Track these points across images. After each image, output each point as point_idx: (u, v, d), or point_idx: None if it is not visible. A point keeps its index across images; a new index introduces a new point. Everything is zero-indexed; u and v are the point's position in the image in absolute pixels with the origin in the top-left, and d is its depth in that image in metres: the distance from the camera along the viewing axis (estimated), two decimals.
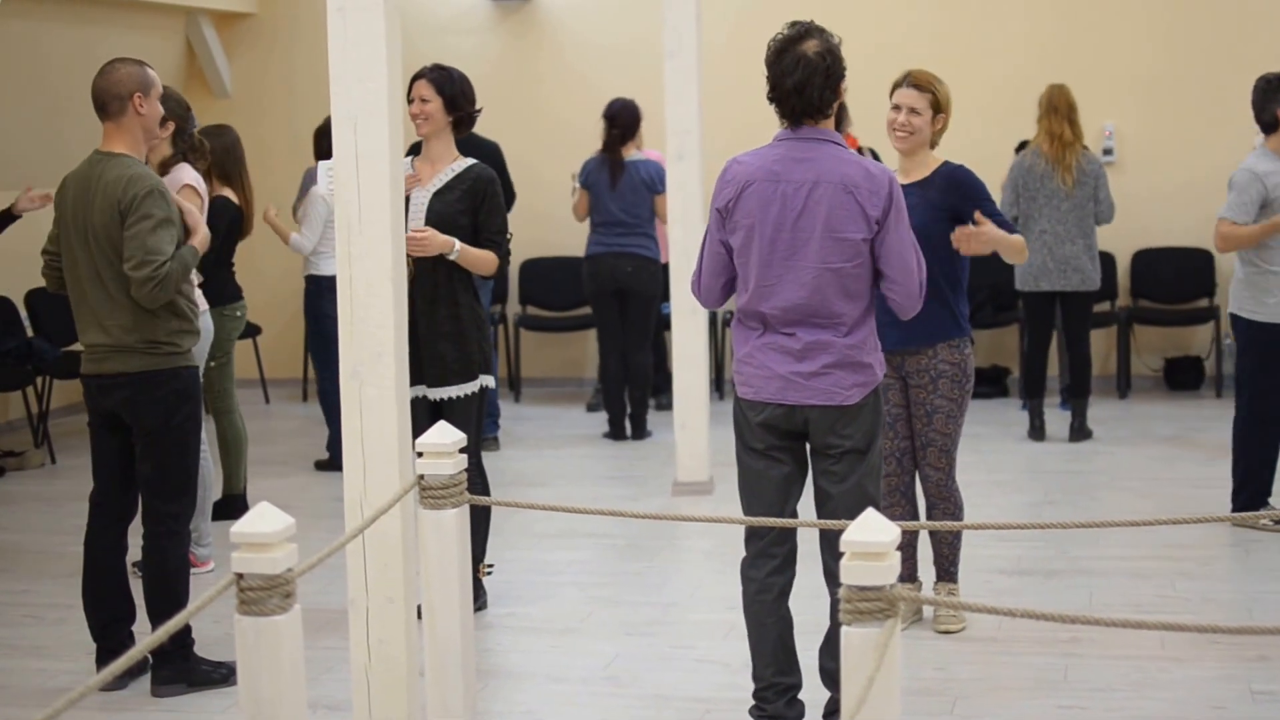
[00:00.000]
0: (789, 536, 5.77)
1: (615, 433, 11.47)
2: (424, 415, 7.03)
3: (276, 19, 14.19)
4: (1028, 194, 10.76)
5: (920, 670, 6.43)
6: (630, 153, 11.34)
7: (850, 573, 3.88)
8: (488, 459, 10.72)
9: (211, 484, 8.46)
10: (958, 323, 6.93)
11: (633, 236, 11.29)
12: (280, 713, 4.15)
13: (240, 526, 4.10)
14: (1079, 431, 11.02)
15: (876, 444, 5.67)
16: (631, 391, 11.53)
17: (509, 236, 7.30)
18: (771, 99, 5.57)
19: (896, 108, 6.88)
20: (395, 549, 5.27)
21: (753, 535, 5.77)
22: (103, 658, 6.51)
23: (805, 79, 5.46)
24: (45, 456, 11.19)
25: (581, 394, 13.33)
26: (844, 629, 3.93)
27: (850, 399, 5.56)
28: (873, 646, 3.85)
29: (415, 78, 7.22)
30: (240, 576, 4.10)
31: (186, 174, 8.10)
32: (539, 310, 13.58)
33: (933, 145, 6.95)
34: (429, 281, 7.07)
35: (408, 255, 7.11)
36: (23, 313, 11.52)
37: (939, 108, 6.87)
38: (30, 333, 11.61)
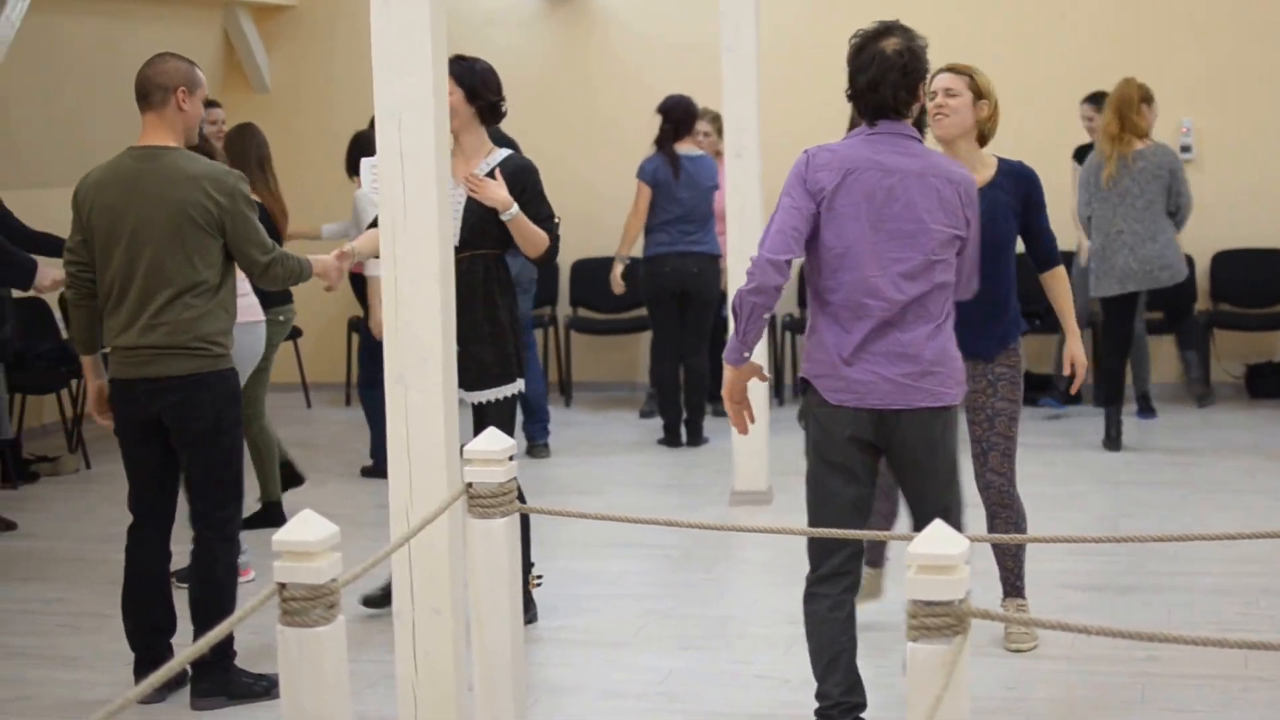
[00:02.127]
0: (861, 556, 5.79)
1: (670, 439, 11.47)
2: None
3: (317, 11, 14.23)
4: (1100, 194, 10.73)
5: (990, 689, 6.41)
6: (687, 148, 11.34)
7: (917, 586, 3.86)
8: (538, 466, 10.76)
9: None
10: (1018, 325, 6.97)
11: (698, 234, 11.29)
12: None
13: (283, 535, 4.12)
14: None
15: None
16: (689, 396, 11.52)
17: (557, 221, 7.30)
18: (849, 96, 5.58)
19: (932, 94, 6.82)
20: (442, 559, 5.27)
21: (825, 552, 5.72)
22: (141, 669, 6.54)
23: (879, 77, 5.47)
24: (79, 461, 11.26)
25: (634, 399, 13.33)
26: (910, 645, 3.92)
27: (956, 398, 5.59)
28: (940, 663, 3.83)
29: None
30: (283, 586, 4.12)
31: None
32: (590, 312, 13.59)
33: (982, 141, 6.88)
34: (466, 282, 7.05)
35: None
36: (57, 315, 11.57)
37: (980, 93, 6.82)
38: (64, 335, 11.66)
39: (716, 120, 11.80)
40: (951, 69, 6.88)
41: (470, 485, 5.18)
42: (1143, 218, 10.65)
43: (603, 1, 13.70)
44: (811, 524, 5.71)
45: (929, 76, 6.85)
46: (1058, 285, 6.99)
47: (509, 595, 5.27)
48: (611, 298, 12.78)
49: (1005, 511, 6.98)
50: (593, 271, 13.35)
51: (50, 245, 9.10)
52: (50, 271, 8.23)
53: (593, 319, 13.54)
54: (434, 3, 5.13)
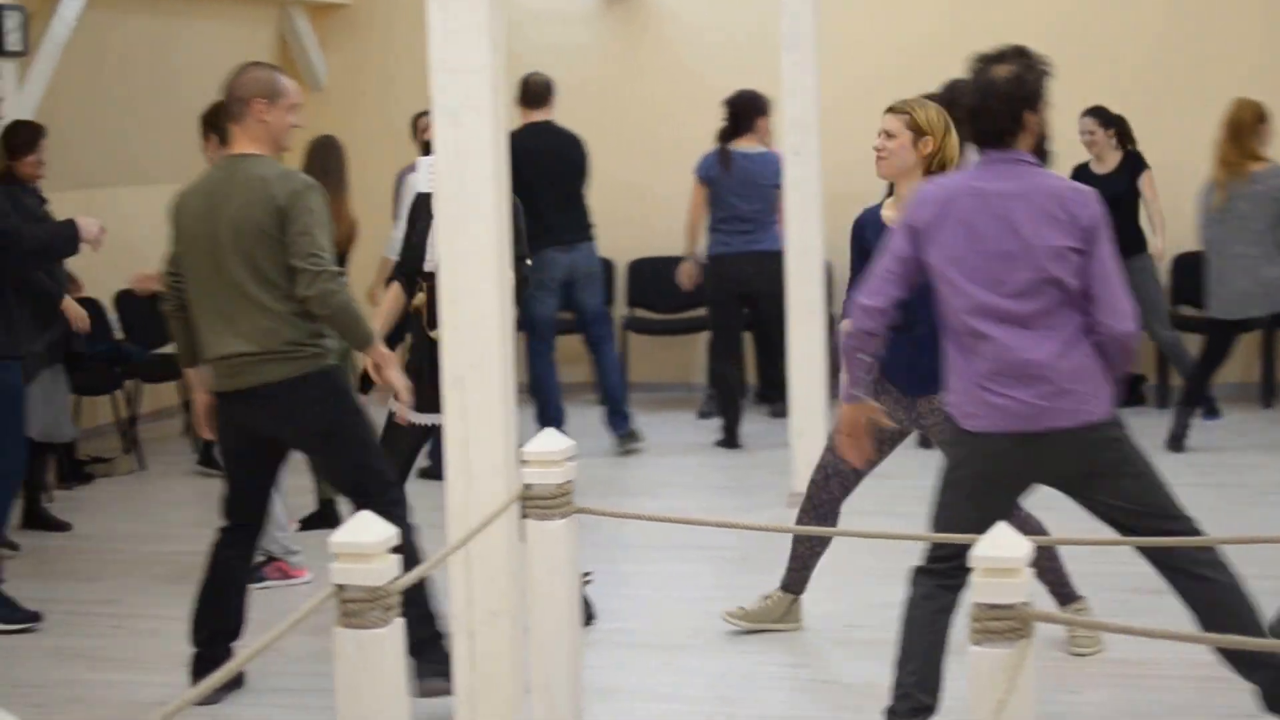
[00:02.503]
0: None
1: (729, 441, 11.45)
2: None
3: (372, 9, 14.27)
4: (1213, 218, 10.66)
5: (1053, 694, 6.37)
6: (748, 145, 11.31)
7: (981, 590, 3.86)
8: (594, 467, 10.75)
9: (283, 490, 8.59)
10: None
11: (756, 232, 11.27)
12: None
13: (340, 536, 4.14)
14: None
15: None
16: (779, 404, 11.46)
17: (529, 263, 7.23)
18: (957, 120, 5.58)
19: (879, 134, 6.88)
20: (500, 561, 5.27)
21: (945, 553, 5.69)
22: (201, 667, 6.54)
23: (981, 104, 5.48)
24: (134, 463, 11.31)
25: (690, 399, 13.31)
26: (973, 649, 3.91)
27: (1101, 414, 5.50)
28: (1003, 668, 3.83)
29: None
30: (341, 588, 4.14)
31: None
32: (647, 312, 13.58)
33: (929, 171, 6.75)
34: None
35: (420, 281, 7.08)
36: (111, 315, 11.63)
37: (920, 130, 6.77)
38: (119, 335, 11.73)
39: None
40: (892, 109, 6.86)
41: (528, 486, 5.19)
42: (1261, 240, 10.52)
43: None
44: (935, 552, 5.73)
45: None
46: None
47: (567, 598, 5.28)
48: (668, 298, 12.79)
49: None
50: (649, 271, 13.35)
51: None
52: (90, 222, 7.97)
53: (649, 319, 13.53)
54: (492, 2, 5.14)
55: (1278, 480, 10.04)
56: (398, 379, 6.50)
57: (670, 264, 12.18)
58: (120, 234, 12.28)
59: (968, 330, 5.51)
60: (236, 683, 6.67)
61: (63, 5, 10.85)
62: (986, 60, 5.53)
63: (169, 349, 11.94)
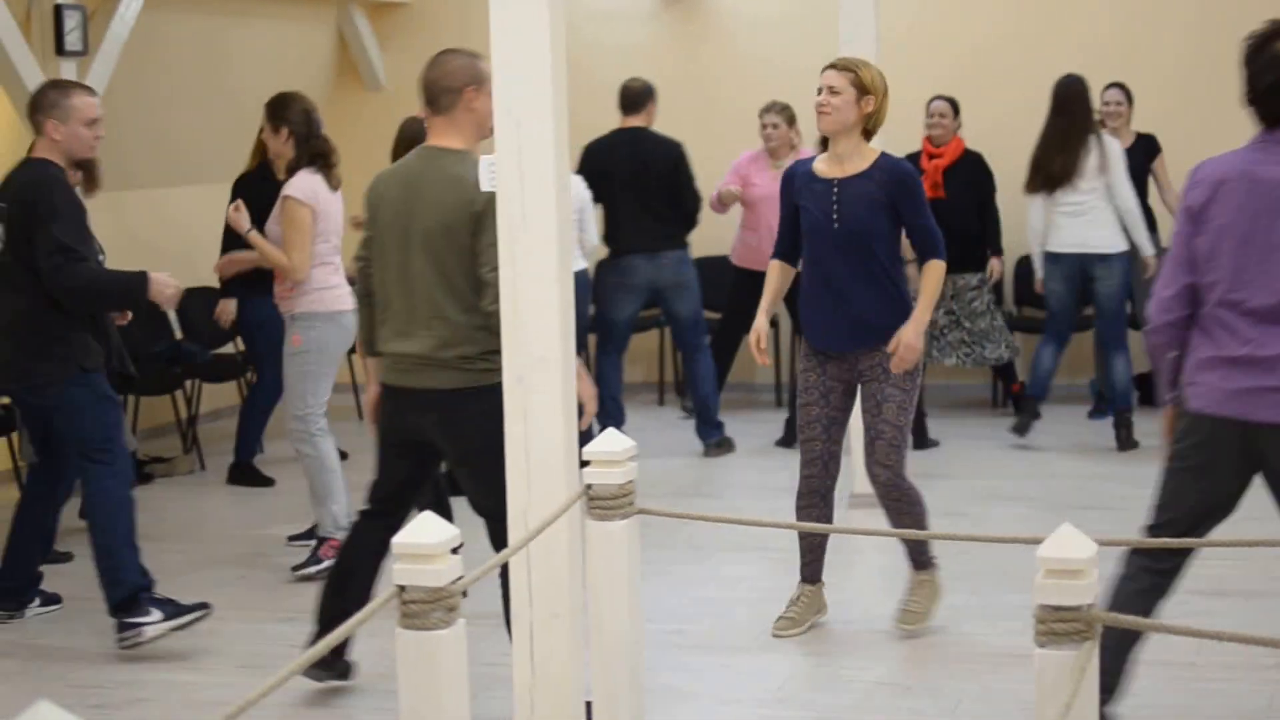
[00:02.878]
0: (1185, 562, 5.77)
1: (790, 440, 11.43)
2: None
3: (432, 8, 14.31)
4: None
5: None
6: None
7: (1045, 591, 3.85)
8: (653, 468, 10.76)
9: (337, 465, 8.78)
10: (909, 312, 7.12)
11: None
12: None
13: (402, 537, 4.17)
14: None
15: None
16: None
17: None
18: (1248, 100, 5.52)
19: (819, 90, 7.07)
20: (561, 562, 5.28)
21: (1153, 531, 5.72)
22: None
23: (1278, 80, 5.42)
24: (194, 463, 11.37)
25: (751, 399, 13.31)
26: (1038, 650, 3.91)
27: None
28: (1069, 670, 3.82)
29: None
30: (402, 589, 4.16)
31: (294, 187, 8.60)
32: (709, 312, 13.54)
33: (868, 134, 7.11)
34: None
35: None
36: (171, 314, 11.68)
37: (864, 89, 7.00)
38: (179, 335, 11.80)
39: (785, 111, 11.77)
40: (835, 65, 7.07)
41: (589, 487, 5.20)
42: None
43: None
44: (1154, 520, 5.75)
45: (821, 72, 7.08)
46: (925, 278, 7.13)
47: (628, 599, 5.30)
48: (729, 298, 12.78)
49: (897, 504, 7.19)
50: (712, 269, 13.32)
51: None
52: (166, 281, 7.63)
53: (709, 319, 13.50)
54: (552, 2, 5.15)
55: None
56: (586, 388, 6.33)
57: (725, 263, 12.18)
58: (177, 234, 12.40)
59: (1215, 316, 5.50)
60: (344, 673, 6.73)
61: (122, 5, 10.92)
62: (1266, 37, 5.45)
63: (228, 349, 12.07)
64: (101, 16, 10.89)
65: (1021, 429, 11.17)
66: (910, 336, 6.99)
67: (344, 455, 10.67)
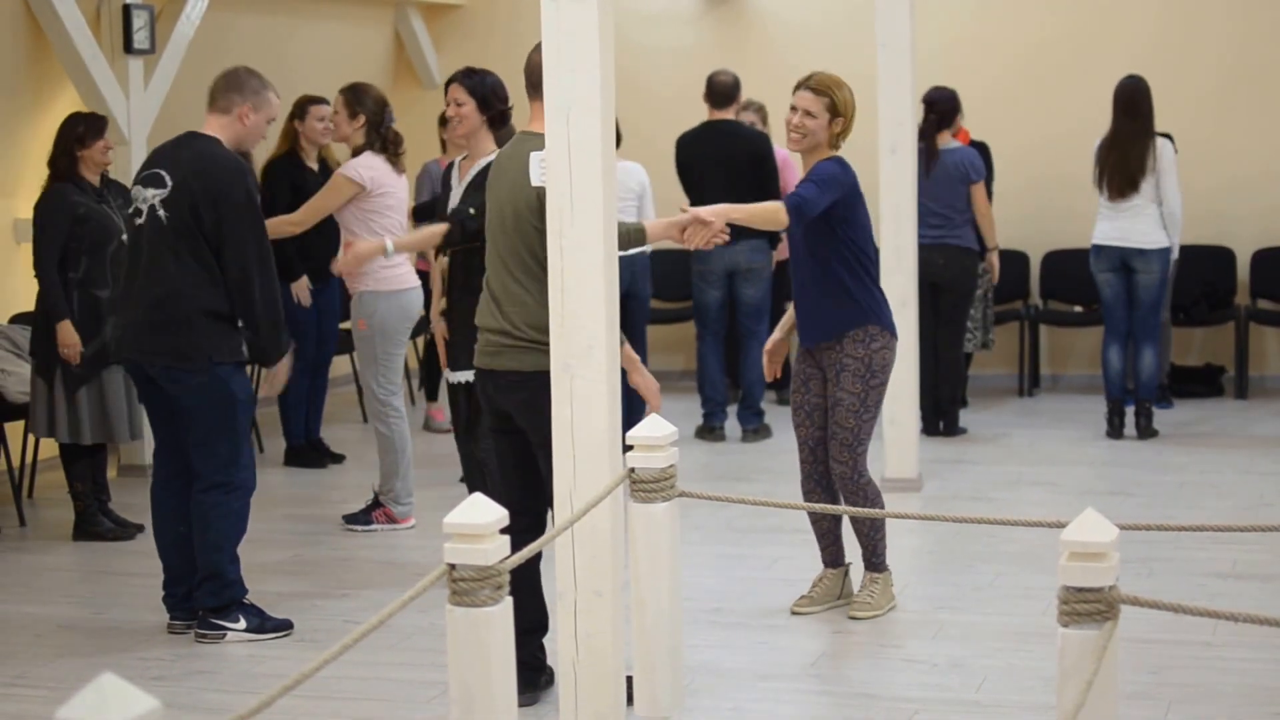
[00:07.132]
0: None
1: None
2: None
3: (485, 9, 14.35)
4: None
5: (1134, 675, 6.34)
6: (945, 141, 11.22)
7: (1068, 573, 3.85)
8: (692, 454, 10.77)
9: (407, 446, 8.86)
10: (864, 313, 7.10)
11: (945, 226, 11.19)
12: (491, 704, 4.22)
13: (453, 517, 4.19)
14: None
15: None
16: (944, 389, 11.39)
17: (471, 213, 7.31)
18: None
19: (793, 109, 7.08)
20: (605, 542, 5.30)
21: None
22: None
23: None
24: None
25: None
26: (1061, 630, 3.91)
27: None
28: (1091, 649, 3.82)
29: (449, 82, 7.67)
30: (452, 567, 4.18)
31: (353, 165, 8.79)
32: None
33: (834, 147, 7.12)
34: (463, 270, 7.52)
35: (438, 247, 7.83)
36: None
37: (837, 111, 7.03)
38: None
39: (761, 111, 12.01)
40: (813, 88, 7.05)
41: (633, 470, 5.22)
42: None
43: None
44: None
45: (794, 88, 7.05)
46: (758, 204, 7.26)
47: (669, 578, 5.31)
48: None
49: (852, 498, 7.21)
50: None
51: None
52: (281, 372, 7.44)
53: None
54: (602, 3, 5.17)
55: None
56: (644, 381, 6.35)
57: None
58: None
59: None
60: (548, 681, 6.38)
61: (189, 5, 10.96)
62: None
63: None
64: (168, 16, 10.94)
65: (1113, 431, 11.11)
66: (705, 213, 6.69)
67: (341, 458, 10.75)
